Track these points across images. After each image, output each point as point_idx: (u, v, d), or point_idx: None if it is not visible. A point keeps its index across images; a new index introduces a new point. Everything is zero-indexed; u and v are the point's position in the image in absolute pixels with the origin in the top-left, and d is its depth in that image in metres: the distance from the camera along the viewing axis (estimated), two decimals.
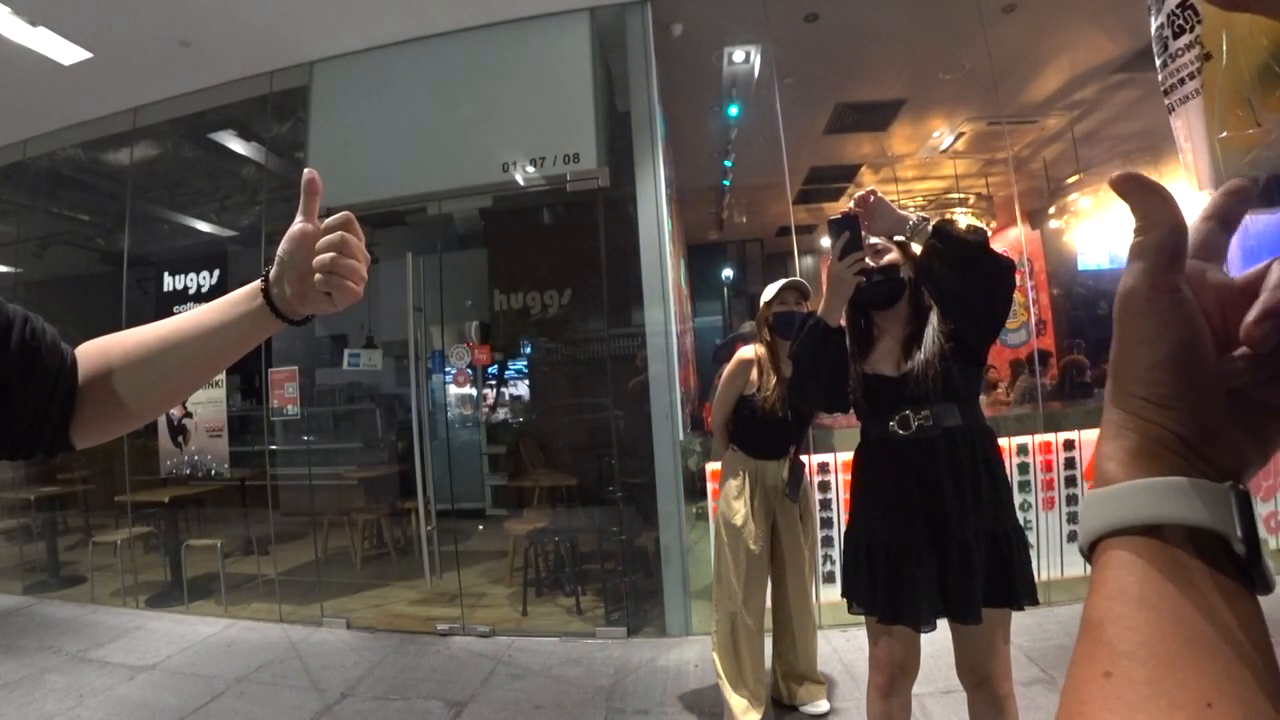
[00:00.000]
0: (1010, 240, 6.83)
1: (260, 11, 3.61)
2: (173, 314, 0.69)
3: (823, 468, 3.30)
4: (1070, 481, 3.33)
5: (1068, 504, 3.32)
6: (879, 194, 1.56)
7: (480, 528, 5.62)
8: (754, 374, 2.38)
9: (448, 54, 3.86)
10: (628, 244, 3.58)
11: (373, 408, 6.27)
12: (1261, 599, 0.27)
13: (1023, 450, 3.32)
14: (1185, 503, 0.27)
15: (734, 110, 5.02)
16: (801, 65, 4.58)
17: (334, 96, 4.05)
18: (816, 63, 4.61)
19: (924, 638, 1.60)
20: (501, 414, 6.61)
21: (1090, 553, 0.29)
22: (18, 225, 5.54)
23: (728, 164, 6.11)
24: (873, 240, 1.64)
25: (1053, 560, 3.29)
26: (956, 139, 6.27)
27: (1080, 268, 7.41)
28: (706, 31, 4.18)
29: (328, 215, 0.67)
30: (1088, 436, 3.35)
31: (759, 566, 2.40)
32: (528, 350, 6.49)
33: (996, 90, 4.71)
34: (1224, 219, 0.33)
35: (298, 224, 0.67)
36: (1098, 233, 6.91)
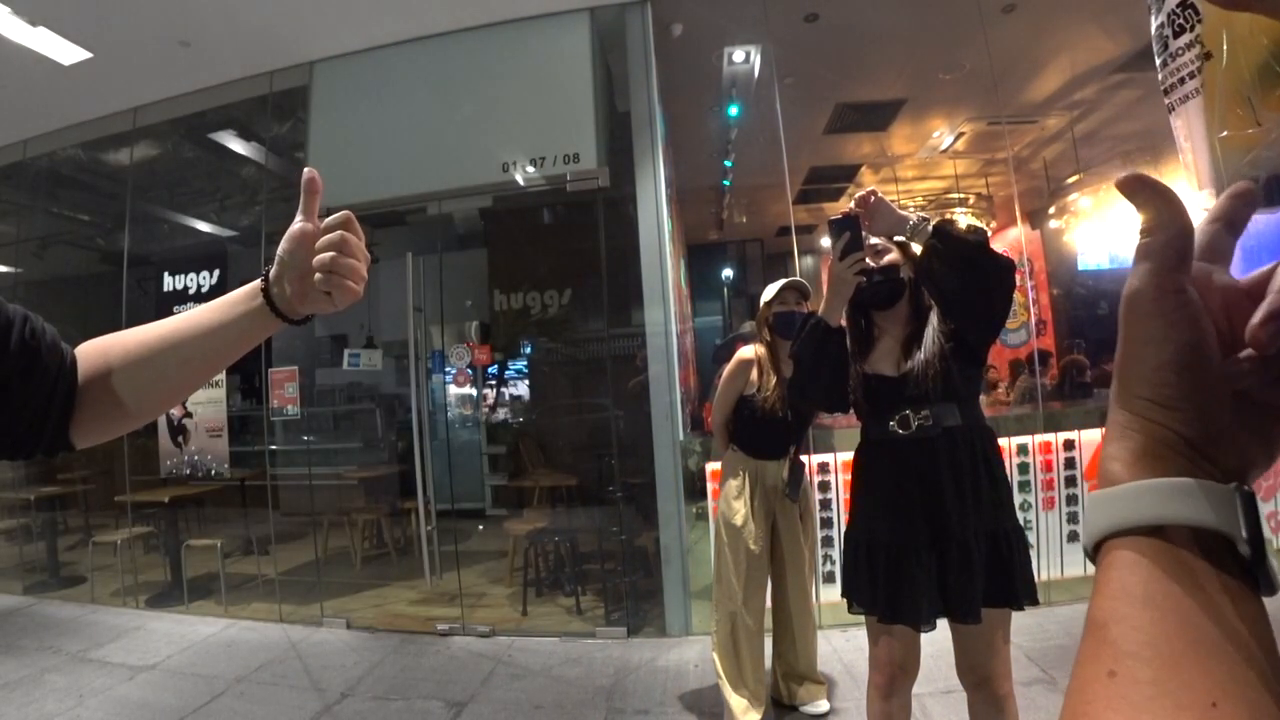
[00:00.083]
0: (1010, 240, 6.83)
1: (260, 11, 3.61)
2: (173, 314, 0.69)
3: (823, 468, 3.29)
4: (1070, 481, 3.33)
5: (1068, 504, 3.32)
6: (879, 194, 1.56)
7: (480, 528, 5.62)
8: (754, 374, 2.38)
9: (448, 54, 3.86)
10: (628, 244, 3.58)
11: (373, 408, 6.27)
12: (1266, 600, 0.27)
13: (1023, 450, 3.32)
14: (1190, 503, 0.27)
15: (734, 110, 5.02)
16: (801, 65, 4.58)
17: (334, 96, 4.05)
18: (816, 63, 4.61)
19: (924, 638, 1.60)
20: (501, 414, 6.61)
21: (1095, 553, 0.29)
22: (18, 225, 5.54)
23: (728, 164, 6.11)
24: (873, 240, 1.64)
25: (1053, 560, 3.29)
26: (956, 139, 6.27)
27: (1080, 268, 7.41)
28: (706, 31, 4.18)
29: (328, 215, 0.67)
30: (1088, 436, 3.35)
31: (759, 566, 2.40)
32: (528, 350, 6.49)
33: (996, 90, 4.71)
34: (1230, 221, 0.33)
35: (298, 223, 0.67)
36: (1098, 233, 6.91)
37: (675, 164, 4.98)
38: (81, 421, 0.66)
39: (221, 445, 4.21)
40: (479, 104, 3.79)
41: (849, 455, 1.78)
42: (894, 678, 1.61)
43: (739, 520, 2.38)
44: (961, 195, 7.45)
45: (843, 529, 3.11)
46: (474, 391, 6.02)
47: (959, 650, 1.62)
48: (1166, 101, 1.33)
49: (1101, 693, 0.25)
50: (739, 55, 4.42)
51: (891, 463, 1.59)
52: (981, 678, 1.59)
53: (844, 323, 1.67)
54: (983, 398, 1.79)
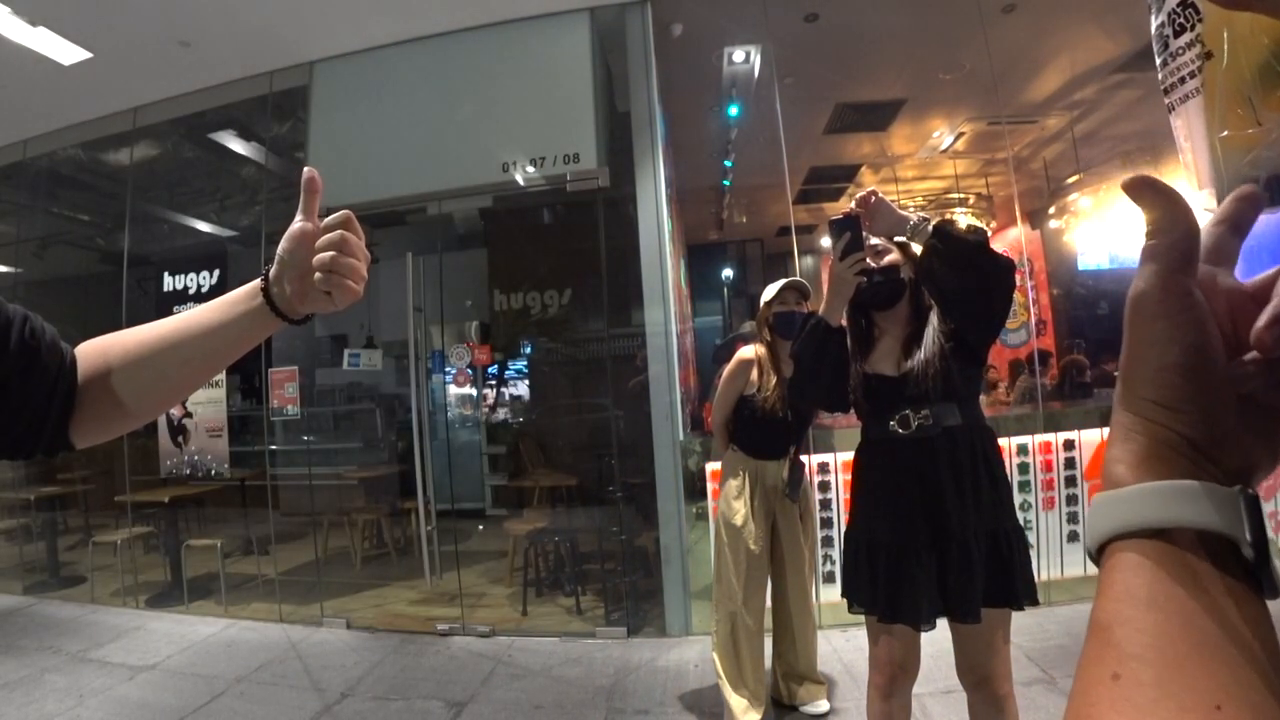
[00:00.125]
0: (1010, 240, 6.83)
1: (260, 11, 3.61)
2: (173, 314, 0.69)
3: (823, 468, 3.29)
4: (1070, 481, 3.33)
5: (1068, 504, 3.32)
6: (880, 194, 1.57)
7: (480, 528, 5.62)
8: (754, 374, 2.38)
9: (448, 54, 3.86)
10: (628, 244, 3.58)
11: (373, 408, 6.26)
12: (1270, 603, 0.27)
13: (1023, 450, 3.32)
14: (1194, 506, 0.27)
15: (734, 110, 5.02)
16: (801, 65, 4.58)
17: (334, 96, 4.05)
18: (816, 63, 4.61)
19: (924, 637, 1.60)
20: (501, 414, 6.61)
21: (1098, 555, 0.29)
22: (18, 225, 5.54)
23: (728, 164, 6.11)
24: (873, 241, 1.64)
25: (1053, 560, 3.29)
26: (956, 139, 6.27)
27: (1080, 268, 7.40)
28: (706, 31, 4.18)
29: (327, 215, 0.67)
30: (1088, 436, 3.35)
31: (759, 566, 2.40)
32: (528, 350, 6.48)
33: (996, 90, 4.71)
34: (1235, 224, 0.33)
35: (297, 223, 0.67)
36: (1098, 233, 6.91)
37: (675, 164, 4.98)
38: (81, 421, 0.66)
39: (221, 445, 4.21)
40: (479, 104, 3.79)
41: (849, 455, 1.78)
42: (894, 678, 1.61)
43: (739, 520, 2.38)
44: (961, 195, 7.44)
45: (843, 529, 3.11)
46: (474, 391, 6.02)
47: (959, 650, 1.62)
48: (1167, 101, 1.33)
49: (1105, 695, 0.25)
50: (739, 55, 4.42)
51: (891, 462, 1.59)
52: (981, 677, 1.59)
53: (844, 322, 1.67)
54: (983, 398, 1.79)
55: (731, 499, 2.42)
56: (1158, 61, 1.31)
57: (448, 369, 5.53)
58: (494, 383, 6.52)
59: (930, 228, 1.50)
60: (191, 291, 4.45)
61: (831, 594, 3.17)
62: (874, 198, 1.56)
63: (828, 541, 3.27)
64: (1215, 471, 0.29)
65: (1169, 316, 0.29)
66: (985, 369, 2.20)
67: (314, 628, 3.82)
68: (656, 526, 3.47)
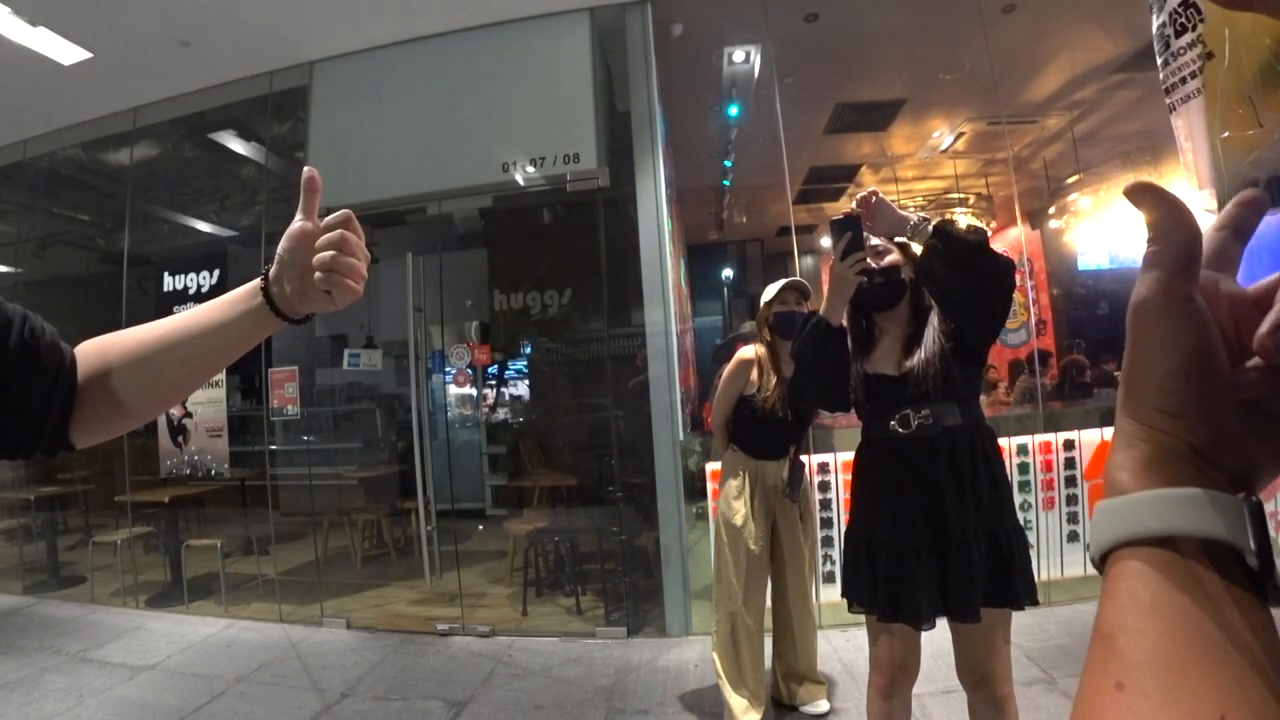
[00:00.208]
0: (1010, 240, 6.83)
1: (260, 11, 3.61)
2: (173, 314, 0.69)
3: (823, 468, 3.29)
4: (1070, 481, 3.33)
5: (1068, 504, 3.32)
6: (880, 195, 1.57)
7: (480, 528, 5.62)
8: (754, 374, 2.38)
9: (448, 54, 3.86)
10: (628, 244, 3.58)
11: (373, 408, 6.26)
12: (1275, 611, 0.27)
13: (1023, 450, 3.32)
14: (1198, 514, 0.27)
15: (734, 110, 5.02)
16: (801, 65, 4.58)
17: (334, 96, 4.05)
18: (816, 63, 4.61)
19: (924, 637, 1.60)
20: (501, 414, 6.61)
21: (1102, 563, 0.29)
22: (18, 225, 5.54)
23: (728, 164, 6.11)
24: (874, 241, 1.65)
25: (1053, 560, 3.29)
26: (956, 139, 6.27)
27: (1080, 268, 7.40)
28: (706, 31, 4.18)
29: (327, 215, 0.67)
30: (1088, 437, 3.35)
31: (759, 566, 2.40)
32: (528, 350, 6.48)
33: (996, 90, 4.71)
34: (1237, 229, 0.33)
35: (297, 222, 0.67)
36: (1098, 233, 6.90)
37: (675, 164, 4.98)
38: (81, 421, 0.66)
39: (221, 445, 4.21)
40: (479, 104, 3.79)
41: (849, 455, 1.78)
42: (894, 678, 1.61)
43: (739, 520, 2.38)
44: (961, 195, 7.44)
45: (843, 529, 3.11)
46: (474, 391, 6.02)
47: (959, 650, 1.62)
48: (1167, 101, 1.32)
49: (1109, 704, 0.25)
50: (739, 55, 4.42)
51: (892, 462, 1.59)
52: (981, 677, 1.59)
53: (845, 322, 1.67)
54: (983, 398, 1.79)
55: (731, 499, 2.42)
56: (1159, 62, 1.31)
57: (448, 369, 5.52)
58: (494, 383, 6.52)
59: (930, 228, 1.50)
60: (191, 291, 4.45)
61: (831, 594, 3.17)
62: (874, 198, 1.57)
63: (828, 541, 3.27)
64: (1219, 478, 0.29)
65: (1171, 323, 0.29)
66: (985, 369, 2.20)
67: (314, 628, 3.82)
68: (656, 526, 3.47)
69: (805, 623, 2.54)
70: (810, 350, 1.64)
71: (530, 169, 3.67)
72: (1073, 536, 3.30)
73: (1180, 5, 1.19)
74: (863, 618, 1.67)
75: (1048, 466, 3.32)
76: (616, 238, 3.68)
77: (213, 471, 4.22)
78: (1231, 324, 0.31)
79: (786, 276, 2.44)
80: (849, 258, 1.54)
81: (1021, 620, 1.72)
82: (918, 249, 1.57)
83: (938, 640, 1.63)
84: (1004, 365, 6.46)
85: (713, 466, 3.22)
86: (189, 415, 4.25)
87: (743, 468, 2.43)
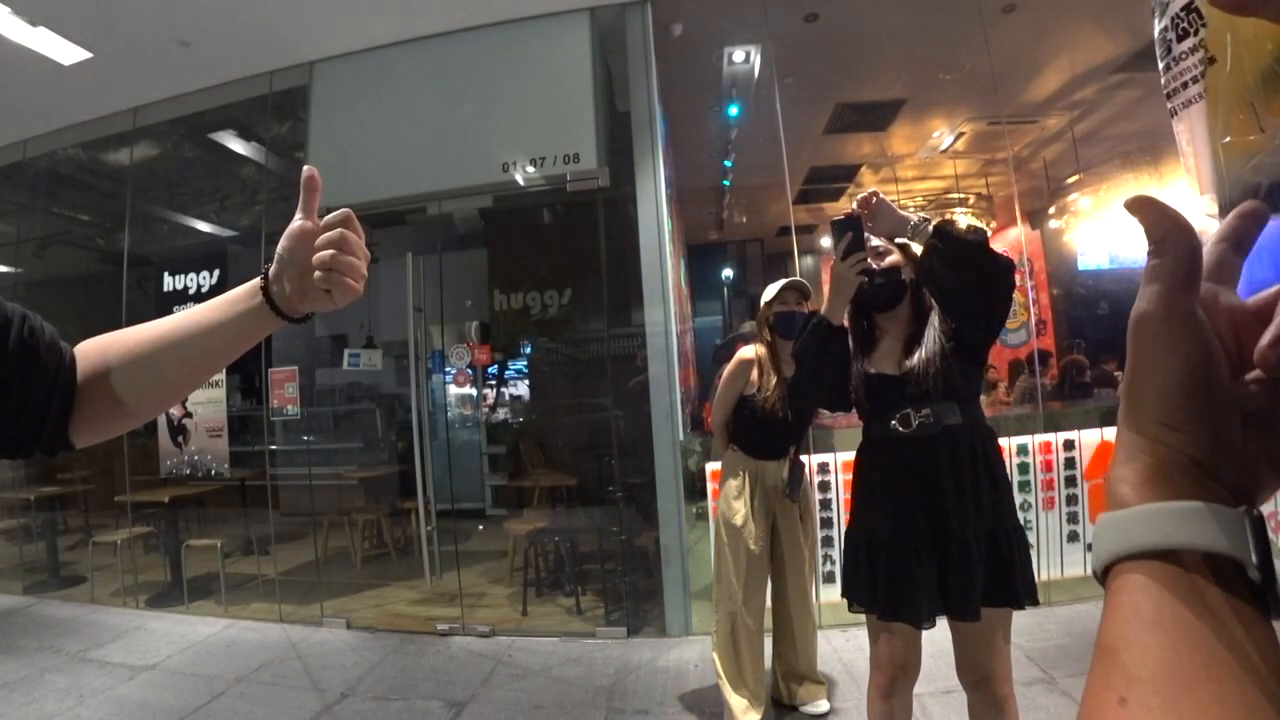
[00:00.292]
0: (1010, 240, 6.82)
1: (260, 11, 3.61)
2: (172, 314, 0.69)
3: (823, 468, 3.29)
4: (1070, 481, 3.33)
5: (1068, 504, 3.32)
6: (881, 195, 1.58)
7: (480, 528, 5.62)
8: (754, 374, 2.38)
9: (448, 54, 3.86)
10: (628, 244, 3.58)
11: (373, 408, 6.26)
12: (1278, 624, 0.27)
13: (1023, 450, 3.32)
14: (1199, 527, 0.27)
15: (734, 110, 5.02)
16: (801, 65, 4.58)
17: (334, 96, 4.05)
18: (816, 63, 4.61)
19: (924, 637, 1.60)
20: (501, 414, 6.60)
21: (1104, 576, 0.29)
22: (18, 225, 5.54)
23: (728, 164, 6.11)
24: (875, 242, 1.65)
25: (1053, 560, 3.29)
26: (956, 139, 6.27)
27: (1080, 268, 7.40)
28: (706, 31, 4.18)
29: (327, 214, 0.67)
30: (1088, 437, 3.35)
31: (759, 566, 2.40)
32: (528, 350, 6.48)
33: (996, 90, 4.71)
34: (1237, 241, 0.33)
35: (297, 221, 0.66)
36: (1098, 233, 6.90)
37: (675, 164, 4.98)
38: (81, 420, 0.66)
39: (221, 445, 4.21)
40: (479, 104, 3.79)
41: (849, 455, 1.78)
42: (895, 677, 1.61)
43: (739, 520, 2.38)
44: (961, 195, 7.44)
45: (843, 529, 3.11)
46: (474, 391, 6.02)
47: (959, 650, 1.62)
48: (1169, 106, 1.32)
49: (1113, 719, 0.25)
50: (739, 55, 4.42)
51: (892, 461, 1.60)
52: (981, 677, 1.59)
53: (846, 322, 1.68)
54: (983, 398, 1.79)
55: (731, 499, 2.42)
56: (1160, 66, 1.31)
57: (448, 369, 5.52)
58: (494, 383, 6.52)
59: (931, 228, 1.51)
60: (191, 291, 4.45)
61: (831, 594, 3.17)
62: (875, 198, 1.57)
63: (828, 541, 3.27)
64: (1220, 491, 0.29)
65: (1172, 336, 0.29)
66: (985, 369, 2.20)
67: (314, 628, 3.81)
68: (656, 526, 3.47)
69: (805, 623, 2.54)
70: (811, 350, 1.65)
71: (530, 169, 3.67)
72: (1073, 536, 3.30)
73: (1182, 10, 1.19)
74: (863, 618, 1.67)
75: (1048, 466, 3.32)
76: (616, 238, 3.68)
77: (213, 471, 4.22)
78: (1232, 336, 0.31)
79: (786, 276, 2.44)
80: (850, 258, 1.54)
81: (1021, 620, 1.72)
82: (918, 249, 1.57)
83: (938, 640, 1.63)
84: (1004, 365, 6.46)
85: (713, 466, 3.22)
86: (189, 415, 4.25)
87: (743, 468, 2.43)
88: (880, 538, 1.59)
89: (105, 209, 5.56)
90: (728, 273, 9.96)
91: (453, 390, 5.90)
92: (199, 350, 0.67)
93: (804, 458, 2.57)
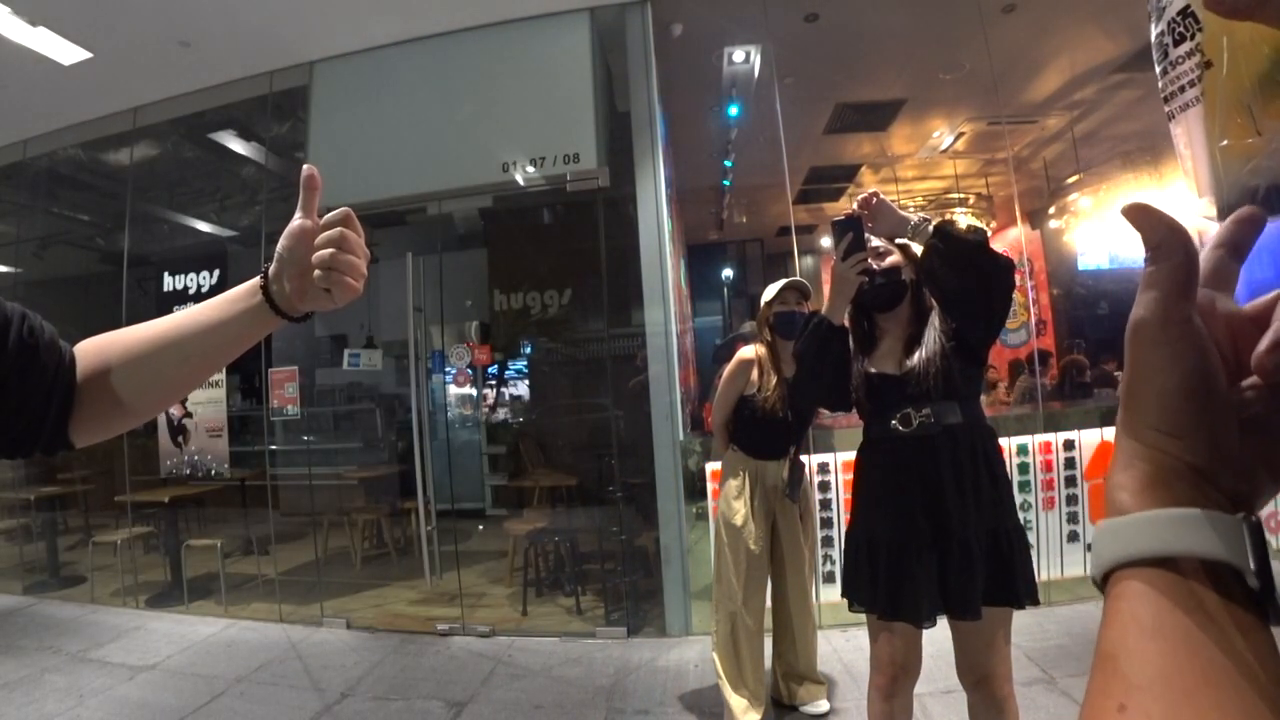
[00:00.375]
0: (1010, 240, 6.83)
1: (260, 11, 3.61)
2: (172, 313, 0.69)
3: (823, 468, 3.29)
4: (1070, 481, 3.33)
5: (1068, 504, 3.32)
6: (881, 196, 1.59)
7: (480, 528, 5.62)
8: (754, 374, 2.38)
9: (448, 54, 3.86)
10: (628, 244, 3.58)
11: (373, 408, 6.26)
12: (1276, 631, 0.27)
13: (1023, 450, 3.32)
14: (1198, 535, 0.27)
15: (734, 110, 5.02)
16: (801, 65, 4.58)
17: (334, 96, 4.05)
18: (816, 63, 4.61)
19: (925, 637, 1.60)
20: (501, 414, 6.61)
21: (1103, 583, 0.29)
22: (18, 225, 5.54)
23: (728, 164, 6.11)
24: (875, 242, 1.66)
25: (1053, 560, 3.29)
26: (956, 139, 6.27)
27: (1080, 268, 7.40)
28: (706, 31, 4.18)
29: (327, 214, 0.67)
30: (1088, 437, 3.35)
31: (759, 566, 2.40)
32: (528, 350, 6.49)
33: (996, 90, 4.71)
34: (1234, 247, 0.33)
35: (297, 220, 0.66)
36: (1098, 233, 6.91)
37: (675, 164, 4.98)
38: (81, 420, 0.65)
39: (221, 445, 4.21)
40: (479, 104, 3.79)
41: (849, 455, 1.79)
42: (895, 677, 1.61)
43: (739, 520, 2.38)
44: (961, 195, 7.44)
45: (843, 529, 3.11)
46: (474, 391, 6.02)
47: (959, 649, 1.62)
48: (1166, 109, 1.32)
49: None
50: (739, 55, 4.42)
51: (893, 460, 1.60)
52: (982, 677, 1.59)
53: (846, 322, 1.68)
54: (983, 398, 1.79)
55: (731, 499, 2.42)
56: (1157, 70, 1.31)
57: (448, 369, 5.53)
58: (494, 383, 6.52)
59: (931, 228, 1.51)
60: (191, 291, 4.45)
61: (831, 594, 3.17)
62: (875, 199, 1.58)
63: (828, 541, 3.27)
64: (1219, 497, 0.29)
65: (1169, 343, 0.29)
66: (985, 369, 2.20)
67: (314, 628, 3.82)
68: (656, 526, 3.47)
69: (805, 623, 2.54)
70: (812, 350, 1.65)
71: (530, 169, 3.67)
72: (1073, 536, 3.30)
73: (1179, 14, 1.19)
74: (863, 618, 1.67)
75: (1048, 466, 3.32)
76: (616, 238, 3.68)
77: (213, 471, 4.22)
78: (1229, 342, 0.31)
79: (787, 276, 2.44)
80: (850, 258, 1.55)
81: (1021, 620, 1.72)
82: (919, 250, 1.57)
83: (938, 640, 1.63)
84: (1004, 365, 6.46)
85: (713, 466, 3.22)
86: (189, 415, 4.25)
87: (743, 468, 2.43)
88: (881, 537, 1.59)
89: (105, 209, 5.56)
90: (728, 273, 9.96)
91: (453, 390, 5.91)
92: (199, 349, 0.67)
93: (804, 458, 2.57)
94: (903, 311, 1.67)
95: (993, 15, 4.05)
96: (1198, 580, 0.26)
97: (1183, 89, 1.24)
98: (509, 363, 6.56)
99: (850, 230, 1.55)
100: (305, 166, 0.67)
